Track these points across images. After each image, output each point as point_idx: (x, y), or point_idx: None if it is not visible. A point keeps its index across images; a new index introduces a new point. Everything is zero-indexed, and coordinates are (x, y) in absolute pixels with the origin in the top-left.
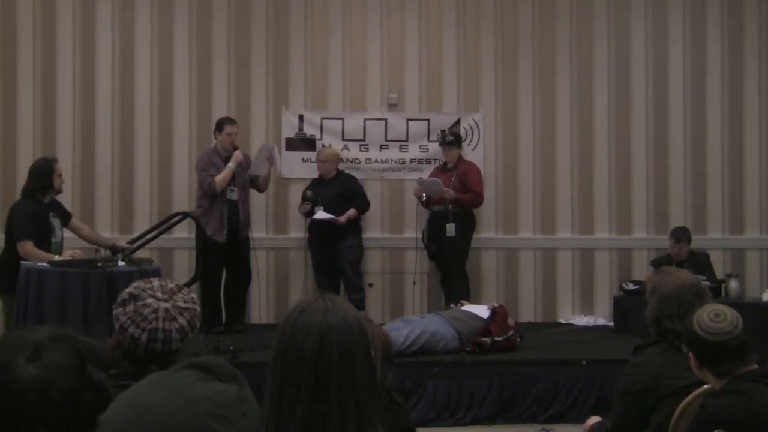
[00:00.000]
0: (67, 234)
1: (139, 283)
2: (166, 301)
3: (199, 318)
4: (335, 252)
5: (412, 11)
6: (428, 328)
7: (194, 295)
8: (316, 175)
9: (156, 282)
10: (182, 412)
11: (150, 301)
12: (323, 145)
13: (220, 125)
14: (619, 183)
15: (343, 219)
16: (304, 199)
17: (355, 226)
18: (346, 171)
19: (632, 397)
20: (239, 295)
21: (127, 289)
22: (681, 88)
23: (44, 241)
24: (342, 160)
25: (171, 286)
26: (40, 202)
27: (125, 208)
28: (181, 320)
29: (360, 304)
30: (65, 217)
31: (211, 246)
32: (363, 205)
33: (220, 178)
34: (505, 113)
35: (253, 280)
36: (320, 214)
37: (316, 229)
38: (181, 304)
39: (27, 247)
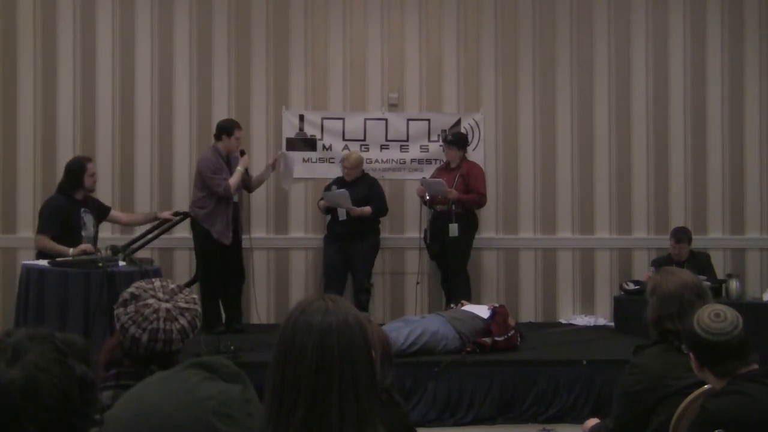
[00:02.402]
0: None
1: (140, 284)
2: (167, 301)
3: (200, 318)
4: (351, 251)
5: (412, 11)
6: (429, 328)
7: (195, 296)
8: (317, 176)
9: (157, 282)
10: (188, 410)
11: (151, 301)
12: (347, 149)
13: (229, 129)
14: (619, 183)
15: (357, 211)
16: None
17: (374, 228)
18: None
19: (633, 397)
20: (236, 295)
21: (129, 289)
22: (681, 88)
23: (74, 235)
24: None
25: (172, 286)
26: (72, 199)
27: (125, 209)
28: (182, 321)
29: (365, 306)
30: (103, 212)
31: (212, 246)
32: (380, 207)
33: (234, 181)
34: (505, 113)
35: (253, 280)
36: (338, 193)
37: (336, 227)
38: (182, 305)
39: (42, 240)
